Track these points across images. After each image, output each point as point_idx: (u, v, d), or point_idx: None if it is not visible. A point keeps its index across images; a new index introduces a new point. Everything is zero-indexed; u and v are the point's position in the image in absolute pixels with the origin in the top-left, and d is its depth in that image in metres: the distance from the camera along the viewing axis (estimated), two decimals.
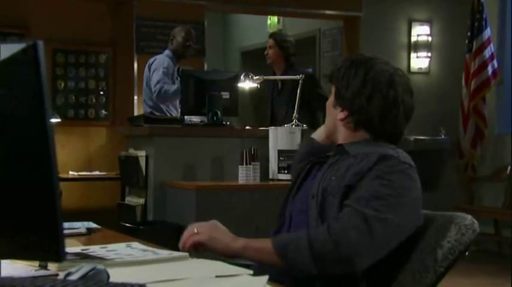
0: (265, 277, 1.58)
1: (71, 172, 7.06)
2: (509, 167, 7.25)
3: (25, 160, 1.31)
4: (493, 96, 7.75)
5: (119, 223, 4.94)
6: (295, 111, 5.31)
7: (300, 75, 5.50)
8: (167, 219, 4.88)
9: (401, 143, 2.17)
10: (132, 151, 5.27)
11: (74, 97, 7.78)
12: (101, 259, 1.79)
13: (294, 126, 5.14)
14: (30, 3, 7.40)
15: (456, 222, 1.98)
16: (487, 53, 7.54)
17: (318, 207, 2.05)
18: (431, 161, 7.24)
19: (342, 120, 2.16)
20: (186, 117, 5.28)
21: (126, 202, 5.36)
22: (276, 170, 4.86)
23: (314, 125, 5.91)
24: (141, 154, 5.07)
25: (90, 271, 1.43)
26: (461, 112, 7.71)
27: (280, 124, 5.31)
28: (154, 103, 6.17)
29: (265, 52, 6.29)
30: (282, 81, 6.19)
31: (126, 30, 7.61)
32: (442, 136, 7.86)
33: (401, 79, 2.13)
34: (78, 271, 1.43)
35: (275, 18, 9.64)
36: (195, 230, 2.06)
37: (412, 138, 7.01)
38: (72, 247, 1.95)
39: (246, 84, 5.48)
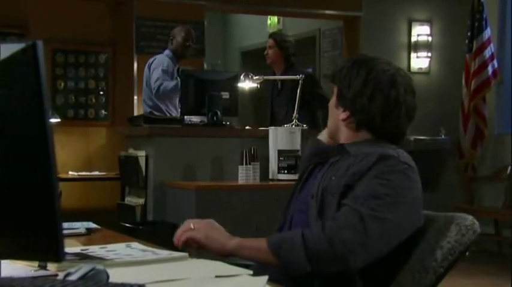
0: (265, 277, 1.58)
1: (70, 172, 7.06)
2: (509, 167, 7.25)
3: (24, 159, 1.31)
4: (493, 96, 7.75)
5: (119, 223, 4.94)
6: (295, 111, 5.31)
7: (300, 75, 5.50)
8: (167, 219, 4.87)
9: (402, 143, 2.17)
10: (131, 151, 5.27)
11: (73, 97, 7.78)
12: (100, 259, 1.79)
13: (294, 126, 5.14)
14: (30, 3, 7.40)
15: (457, 222, 1.98)
16: (487, 53, 7.54)
17: (318, 207, 2.06)
18: (431, 161, 7.24)
19: (343, 120, 2.16)
20: (185, 117, 5.28)
21: (126, 202, 5.36)
22: (276, 170, 4.86)
23: (314, 125, 5.92)
24: (141, 154, 5.07)
25: (89, 271, 1.43)
26: (462, 112, 7.71)
27: (280, 124, 5.31)
28: (154, 103, 6.17)
29: (265, 52, 6.28)
30: (282, 81, 6.19)
31: (126, 30, 7.61)
32: (442, 136, 7.86)
33: (403, 79, 2.13)
34: (78, 271, 1.43)
35: (275, 18, 9.64)
36: (192, 226, 2.06)
37: (412, 138, 7.01)
38: (71, 247, 1.95)
39: (246, 84, 5.48)
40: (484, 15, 7.56)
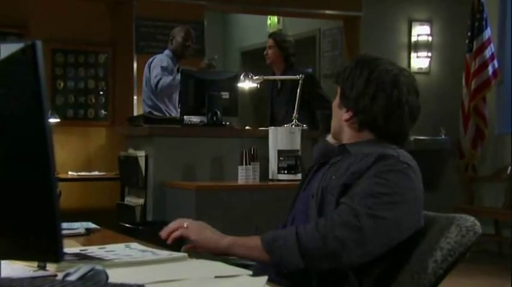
0: (265, 278, 1.57)
1: (70, 172, 7.05)
2: (509, 168, 7.25)
3: (23, 159, 1.30)
4: (493, 96, 7.75)
5: (118, 223, 4.93)
6: (295, 111, 5.30)
7: (300, 75, 5.50)
8: (167, 219, 4.84)
9: (405, 144, 2.17)
10: (131, 151, 5.27)
11: (73, 97, 7.77)
12: (99, 259, 1.78)
13: (293, 126, 5.14)
14: (29, 3, 7.39)
15: (457, 223, 1.97)
16: (488, 53, 7.53)
17: (317, 206, 2.06)
18: (431, 161, 7.24)
19: (346, 120, 2.16)
20: (185, 117, 5.27)
21: (126, 202, 5.35)
22: (276, 170, 4.85)
23: (314, 125, 5.92)
24: (141, 154, 5.06)
25: (88, 271, 1.43)
26: (462, 112, 7.71)
27: (280, 124, 5.31)
28: (153, 103, 6.17)
29: (265, 52, 6.28)
30: (282, 81, 6.19)
31: (125, 30, 7.60)
32: (443, 136, 7.86)
33: (406, 79, 2.12)
34: (77, 271, 1.43)
35: (275, 18, 9.63)
36: (185, 225, 2.06)
37: (412, 138, 7.00)
38: (70, 248, 1.95)
39: (246, 84, 5.47)
40: (484, 15, 7.55)
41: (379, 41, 8.05)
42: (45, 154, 1.27)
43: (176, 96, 6.15)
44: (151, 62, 6.16)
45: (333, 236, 1.90)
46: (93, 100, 7.85)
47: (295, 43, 6.41)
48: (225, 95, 5.26)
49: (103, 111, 7.89)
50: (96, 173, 7.17)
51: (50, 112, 6.68)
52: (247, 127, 5.91)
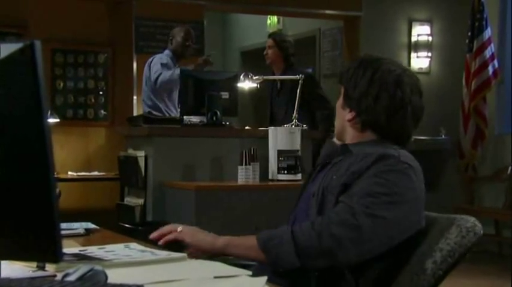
0: (264, 278, 1.57)
1: (69, 172, 7.05)
2: (509, 168, 7.24)
3: (22, 160, 1.30)
4: (493, 96, 7.75)
5: (118, 223, 4.93)
6: (295, 111, 5.30)
7: (300, 75, 5.50)
8: (166, 219, 4.86)
9: (408, 144, 2.16)
10: (131, 151, 5.26)
11: (72, 97, 7.77)
12: (99, 259, 1.78)
13: (293, 126, 5.13)
14: (29, 3, 7.39)
15: (458, 224, 1.96)
16: (488, 53, 7.53)
17: (317, 206, 2.07)
18: (431, 161, 7.23)
19: (349, 121, 2.16)
20: (185, 117, 5.27)
21: (125, 202, 5.35)
22: (276, 171, 4.85)
23: (313, 125, 5.92)
24: (140, 154, 5.06)
25: (88, 272, 1.43)
26: (462, 112, 7.71)
27: (280, 124, 5.30)
28: (153, 103, 6.18)
29: (265, 52, 6.28)
30: (281, 81, 6.19)
31: (125, 30, 7.60)
32: (443, 136, 7.86)
33: (409, 79, 2.12)
34: (76, 272, 1.43)
35: (275, 18, 9.63)
36: (178, 229, 2.06)
37: (412, 138, 7.00)
38: (70, 248, 1.95)
39: (246, 84, 5.47)
40: (485, 15, 7.55)
41: (379, 41, 8.05)
42: (44, 154, 1.26)
43: (176, 96, 6.15)
44: (152, 61, 6.17)
45: (329, 234, 1.90)
46: (93, 100, 7.85)
47: (295, 43, 6.42)
48: (225, 95, 5.26)
49: (103, 112, 7.89)
50: (95, 173, 7.17)
51: (49, 112, 6.70)
52: (247, 127, 5.91)
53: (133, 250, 1.97)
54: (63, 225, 2.35)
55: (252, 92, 6.75)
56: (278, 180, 4.83)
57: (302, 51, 7.89)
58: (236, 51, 10.72)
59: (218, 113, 5.07)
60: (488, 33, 7.55)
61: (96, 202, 7.17)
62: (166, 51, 6.20)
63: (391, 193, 1.95)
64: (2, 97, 1.30)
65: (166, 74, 5.91)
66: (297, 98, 5.36)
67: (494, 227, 7.42)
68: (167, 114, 6.10)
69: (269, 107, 6.42)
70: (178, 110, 5.86)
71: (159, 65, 6.02)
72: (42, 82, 1.26)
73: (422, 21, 8.36)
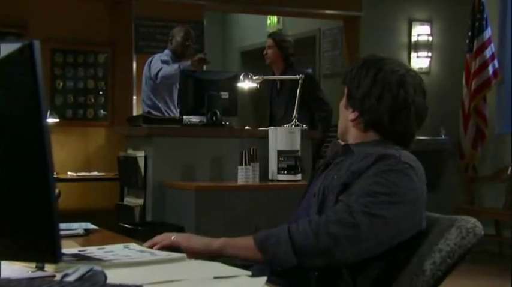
0: (264, 278, 1.57)
1: (69, 173, 7.04)
2: (510, 168, 7.24)
3: (21, 160, 1.30)
4: (493, 96, 7.74)
5: (118, 223, 4.92)
6: (294, 111, 5.29)
7: (300, 75, 5.49)
8: (166, 220, 4.86)
9: (411, 145, 2.16)
10: (130, 151, 5.26)
11: (72, 97, 7.76)
12: (98, 260, 1.78)
13: (293, 126, 5.13)
14: (29, 3, 7.40)
15: (458, 225, 1.95)
16: (488, 53, 7.53)
17: (318, 205, 2.07)
18: (431, 161, 7.20)
19: (352, 121, 2.16)
20: (185, 117, 5.27)
21: (125, 202, 5.35)
22: (276, 171, 4.84)
23: (313, 126, 5.92)
24: (140, 154, 5.06)
25: (87, 272, 1.43)
26: (462, 112, 7.70)
27: (279, 124, 5.30)
28: (153, 102, 6.17)
29: (264, 52, 6.28)
30: (281, 81, 6.18)
31: (125, 30, 7.60)
32: (443, 136, 7.86)
33: (413, 80, 2.12)
34: (75, 272, 1.43)
35: (275, 18, 9.63)
36: (173, 237, 2.06)
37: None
38: (69, 248, 1.95)
39: (246, 84, 5.46)
40: (485, 15, 7.55)
41: (379, 41, 8.04)
42: (44, 154, 1.26)
43: (176, 96, 6.16)
44: (151, 60, 6.17)
45: (327, 233, 1.90)
46: (93, 100, 7.85)
47: (295, 43, 6.41)
48: (225, 95, 5.26)
49: (102, 112, 7.89)
50: (95, 173, 7.17)
51: (49, 112, 6.70)
52: (246, 127, 5.91)
53: (133, 250, 1.97)
54: (63, 225, 2.34)
55: (252, 92, 6.74)
56: (278, 180, 4.83)
57: (302, 51, 7.89)
58: (236, 51, 10.72)
59: (218, 113, 5.07)
60: (488, 33, 7.54)
61: (96, 202, 7.16)
62: (166, 51, 6.20)
63: (390, 193, 1.95)
64: (1, 97, 1.30)
65: (166, 69, 5.91)
66: (297, 98, 5.36)
67: (495, 227, 7.42)
68: (167, 114, 6.10)
69: (269, 107, 6.41)
70: (178, 110, 5.85)
71: (159, 62, 6.03)
72: (41, 82, 1.25)
73: (422, 21, 8.36)
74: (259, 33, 9.43)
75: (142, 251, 1.95)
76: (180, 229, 4.47)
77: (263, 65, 6.47)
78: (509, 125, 7.52)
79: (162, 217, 4.90)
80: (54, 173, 1.30)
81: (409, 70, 2.16)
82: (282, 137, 4.85)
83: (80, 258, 1.81)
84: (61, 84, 7.69)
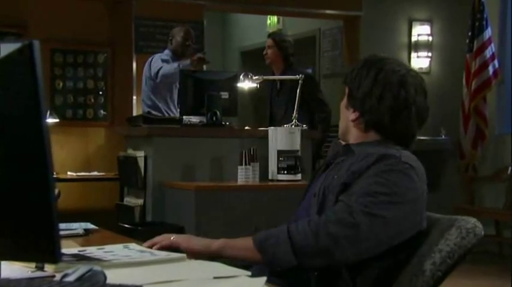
0: (263, 278, 1.57)
1: (69, 173, 7.04)
2: (510, 168, 7.24)
3: (21, 160, 1.30)
4: (493, 96, 7.74)
5: (118, 223, 4.92)
6: (294, 111, 5.29)
7: (300, 75, 5.49)
8: (166, 220, 4.86)
9: (411, 145, 2.16)
10: (130, 151, 5.26)
11: (72, 97, 7.76)
12: (97, 260, 1.77)
13: (293, 126, 5.13)
14: (28, 3, 7.39)
15: (458, 225, 1.95)
16: (488, 52, 7.53)
17: (318, 205, 2.07)
18: (431, 161, 7.19)
19: (353, 121, 2.16)
20: (185, 117, 5.27)
21: (125, 202, 5.35)
22: (276, 171, 4.84)
23: (313, 126, 5.92)
24: (140, 154, 5.05)
25: (86, 272, 1.43)
26: (462, 112, 7.70)
27: (279, 124, 5.30)
28: (153, 102, 6.17)
29: (264, 52, 6.27)
30: (281, 81, 6.18)
31: (124, 30, 7.60)
32: (443, 136, 7.85)
33: (414, 80, 2.12)
34: (75, 272, 1.42)
35: (275, 18, 9.63)
36: (172, 238, 2.06)
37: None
38: (69, 248, 1.95)
39: (246, 84, 5.46)
40: (485, 15, 7.55)
41: (379, 41, 8.04)
42: (43, 154, 1.26)
43: (176, 96, 6.15)
44: (152, 60, 6.17)
45: (326, 232, 1.90)
46: (92, 100, 7.84)
47: (295, 43, 6.41)
48: (225, 95, 5.25)
49: (102, 112, 7.88)
50: (95, 173, 7.16)
51: (48, 112, 6.69)
52: (246, 127, 5.91)
53: (133, 250, 1.96)
54: (62, 225, 2.34)
55: (252, 92, 6.74)
56: (278, 180, 4.83)
57: (302, 51, 7.89)
58: (236, 51, 10.71)
59: (218, 113, 5.07)
60: (488, 33, 7.54)
61: (96, 202, 7.16)
62: (166, 51, 6.20)
63: (390, 193, 1.95)
64: (1, 97, 1.29)
65: (166, 68, 5.90)
66: (297, 98, 5.36)
67: (495, 227, 7.41)
68: (167, 114, 6.10)
69: (269, 107, 6.41)
70: (178, 110, 5.85)
71: (159, 61, 6.03)
72: (40, 82, 1.25)
73: (422, 21, 8.35)
74: (259, 33, 9.43)
75: (142, 251, 1.95)
76: (180, 229, 4.47)
77: (263, 65, 6.47)
78: (509, 125, 7.51)
79: (162, 217, 4.90)
80: (54, 173, 1.30)
81: (410, 70, 2.16)
82: (282, 137, 4.85)
83: (79, 258, 1.80)
84: (61, 84, 7.69)
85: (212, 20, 9.24)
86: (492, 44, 7.55)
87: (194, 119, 5.25)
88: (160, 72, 5.90)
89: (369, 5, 8.13)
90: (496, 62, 7.55)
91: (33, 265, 1.64)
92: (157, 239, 2.07)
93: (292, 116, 5.28)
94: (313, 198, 2.11)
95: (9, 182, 1.31)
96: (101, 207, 6.71)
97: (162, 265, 1.79)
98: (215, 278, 1.60)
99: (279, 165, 4.83)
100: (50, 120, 6.74)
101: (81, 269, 1.43)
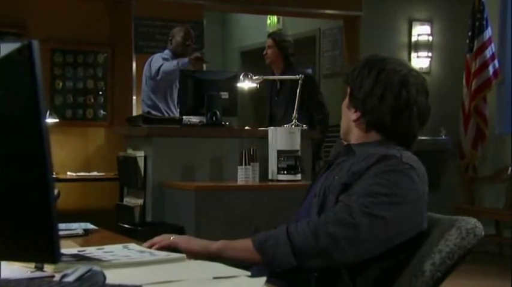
0: (263, 279, 1.57)
1: (69, 173, 7.03)
2: (510, 168, 7.23)
3: (20, 160, 1.29)
4: (494, 96, 7.74)
5: (117, 223, 4.92)
6: (294, 111, 5.29)
7: (300, 75, 5.49)
8: (166, 220, 4.86)
9: (413, 146, 2.15)
10: (130, 151, 5.26)
11: (72, 97, 7.76)
12: (97, 260, 1.77)
13: (293, 126, 5.12)
14: (28, 3, 7.39)
15: (458, 226, 1.94)
16: (488, 52, 7.52)
17: (318, 205, 2.06)
18: (432, 161, 7.18)
19: (354, 121, 2.15)
20: (184, 117, 5.26)
21: (125, 202, 5.34)
22: (276, 171, 4.84)
23: (312, 126, 5.92)
24: (140, 154, 5.05)
25: (86, 272, 1.43)
26: (462, 112, 7.70)
27: (278, 124, 5.29)
28: (152, 102, 6.17)
29: (264, 52, 6.27)
30: (281, 81, 6.18)
31: (124, 30, 7.59)
32: (443, 136, 7.85)
33: (415, 80, 2.11)
34: (74, 272, 1.42)
35: (275, 18, 9.63)
36: (171, 238, 2.05)
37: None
38: (68, 249, 1.94)
39: (245, 84, 5.46)
40: (485, 15, 7.54)
41: (379, 41, 8.04)
42: (42, 154, 1.26)
43: (176, 96, 6.15)
44: (152, 60, 6.17)
45: (326, 233, 1.90)
46: (92, 100, 7.84)
47: (295, 43, 6.41)
48: (225, 95, 5.25)
49: (102, 112, 7.88)
50: (95, 173, 7.16)
51: (48, 112, 6.69)
52: (246, 127, 5.90)
53: (132, 250, 1.96)
54: (62, 225, 2.34)
55: (252, 92, 6.74)
56: (278, 180, 4.82)
57: (302, 51, 7.89)
58: (236, 51, 10.71)
59: (218, 113, 5.06)
60: (488, 33, 7.54)
61: (96, 202, 7.16)
62: (166, 51, 6.19)
63: (391, 194, 1.94)
64: (0, 97, 1.29)
65: (167, 64, 5.90)
66: (297, 98, 5.35)
67: (495, 227, 7.41)
68: (167, 114, 6.10)
69: (268, 107, 6.41)
70: (178, 110, 5.85)
71: (160, 59, 6.04)
72: (40, 82, 1.25)
73: (422, 21, 8.35)
74: (259, 33, 9.42)
75: (141, 252, 1.94)
76: (179, 229, 4.47)
77: (263, 65, 6.46)
78: (510, 125, 7.51)
79: (161, 217, 4.89)
80: (54, 173, 1.30)
81: (411, 70, 2.15)
82: (282, 137, 4.84)
83: (79, 258, 1.80)
84: (61, 84, 7.68)
85: (212, 20, 9.23)
86: (492, 44, 7.55)
87: (194, 119, 5.24)
88: (162, 69, 5.90)
89: (369, 5, 8.13)
90: (496, 62, 7.55)
91: (32, 265, 1.63)
92: (156, 239, 2.06)
93: (291, 116, 5.27)
94: (314, 199, 2.11)
95: (8, 182, 1.31)
96: (100, 207, 6.71)
97: (161, 265, 1.79)
98: (215, 278, 1.60)
99: (279, 165, 4.82)
100: (50, 120, 6.74)
101: (81, 269, 1.43)
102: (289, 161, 4.81)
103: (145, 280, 1.51)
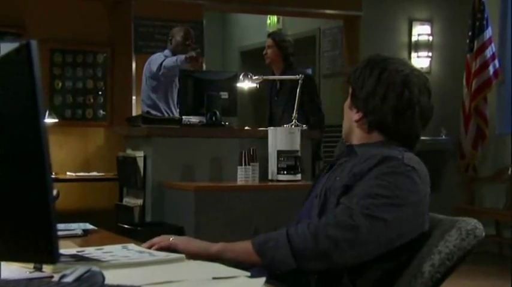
0: (263, 279, 1.56)
1: (68, 173, 7.03)
2: (510, 168, 7.23)
3: (18, 160, 1.29)
4: (494, 96, 7.74)
5: (117, 224, 4.92)
6: (294, 111, 5.28)
7: (300, 75, 5.48)
8: (165, 220, 4.85)
9: (415, 146, 2.15)
10: (130, 152, 5.25)
11: (71, 97, 7.75)
12: (96, 260, 1.77)
13: (293, 126, 5.12)
14: (28, 2, 7.39)
15: (458, 227, 1.94)
16: (488, 52, 7.52)
17: (320, 206, 2.06)
18: (432, 161, 7.18)
19: (356, 121, 2.14)
20: (184, 117, 5.26)
21: (124, 202, 5.34)
22: (275, 171, 4.84)
23: (309, 126, 5.92)
24: (139, 154, 5.05)
25: (85, 273, 1.43)
26: (463, 112, 7.70)
27: (278, 124, 5.29)
28: (152, 102, 6.17)
29: (264, 52, 6.27)
30: (281, 81, 6.18)
31: (124, 29, 7.59)
32: (443, 136, 7.85)
33: (417, 80, 2.10)
34: (73, 273, 1.42)
35: (275, 18, 9.62)
36: (171, 239, 2.05)
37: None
38: (67, 249, 1.94)
39: (245, 84, 5.46)
40: (485, 15, 7.54)
41: (380, 41, 8.04)
42: (41, 155, 1.25)
43: (175, 96, 6.15)
44: (152, 59, 6.17)
45: (325, 235, 1.89)
46: (92, 100, 7.84)
47: (295, 43, 6.41)
48: (224, 95, 5.25)
49: (101, 112, 7.88)
50: (94, 173, 7.16)
51: (47, 112, 6.69)
52: (246, 127, 5.90)
53: (131, 250, 1.96)
54: (61, 226, 2.34)
55: (252, 92, 6.74)
56: (278, 180, 4.82)
57: (302, 51, 7.88)
58: (236, 51, 10.71)
59: (217, 113, 5.06)
60: (488, 33, 7.54)
61: (95, 203, 7.16)
62: (166, 51, 6.20)
63: (392, 196, 1.93)
64: None
65: (168, 60, 5.91)
66: (297, 98, 5.35)
67: (495, 227, 7.41)
68: (166, 114, 6.10)
69: (268, 107, 6.41)
70: (178, 109, 5.84)
71: (162, 56, 6.05)
72: (38, 82, 1.25)
73: (422, 20, 8.35)
74: (259, 33, 9.42)
75: (141, 252, 1.94)
76: (179, 230, 4.47)
77: (263, 65, 6.46)
78: (510, 125, 7.51)
79: (161, 217, 4.89)
80: (53, 173, 1.30)
81: (414, 70, 2.14)
82: (282, 137, 4.84)
83: (78, 259, 1.80)
84: (60, 84, 7.68)
85: (212, 20, 9.24)
86: (492, 44, 7.55)
87: (194, 119, 5.24)
88: (163, 63, 5.91)
89: (369, 5, 8.12)
90: (496, 62, 7.55)
91: (31, 265, 1.63)
92: (156, 240, 2.06)
93: (291, 116, 5.27)
94: (315, 200, 2.10)
95: (7, 182, 1.31)
96: (100, 207, 6.71)
97: (161, 265, 1.79)
98: (214, 278, 1.60)
99: (279, 165, 4.82)
100: (49, 120, 6.74)
101: (80, 269, 1.43)
102: (289, 161, 4.81)
103: (144, 281, 1.51)
